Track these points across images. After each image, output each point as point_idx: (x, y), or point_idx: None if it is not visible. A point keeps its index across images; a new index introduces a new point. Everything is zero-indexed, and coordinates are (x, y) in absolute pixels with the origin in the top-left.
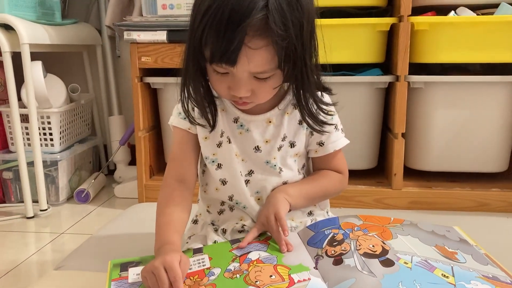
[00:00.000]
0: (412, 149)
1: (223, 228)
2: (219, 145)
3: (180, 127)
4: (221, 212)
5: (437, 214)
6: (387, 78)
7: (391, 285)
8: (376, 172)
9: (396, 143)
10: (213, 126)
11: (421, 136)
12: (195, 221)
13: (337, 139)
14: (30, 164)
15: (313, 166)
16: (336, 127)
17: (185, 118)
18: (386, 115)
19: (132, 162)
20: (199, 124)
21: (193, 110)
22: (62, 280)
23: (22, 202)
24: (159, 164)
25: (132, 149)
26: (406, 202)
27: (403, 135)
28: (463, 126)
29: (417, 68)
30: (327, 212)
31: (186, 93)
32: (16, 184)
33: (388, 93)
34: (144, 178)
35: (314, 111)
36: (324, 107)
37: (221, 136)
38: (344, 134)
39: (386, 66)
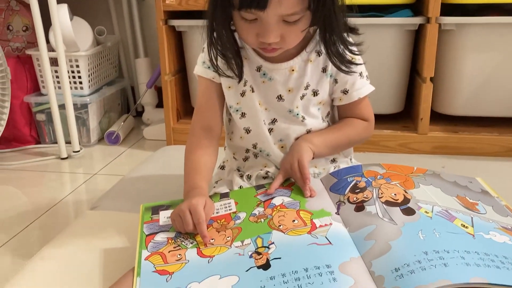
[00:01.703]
0: (439, 93)
1: (248, 174)
2: (243, 94)
3: (204, 77)
4: (246, 159)
5: (462, 160)
6: (418, 20)
7: (411, 233)
8: (402, 116)
9: (424, 88)
10: (240, 77)
11: (450, 80)
12: (222, 167)
13: (361, 87)
14: (62, 106)
15: (339, 114)
16: (360, 74)
17: (209, 67)
18: (415, 58)
19: (159, 104)
20: (227, 76)
21: (217, 60)
22: (98, 220)
23: (56, 143)
24: (185, 107)
25: (159, 91)
26: (431, 147)
27: (431, 79)
28: (495, 69)
29: (449, 9)
30: (350, 160)
31: (213, 48)
32: (49, 126)
33: (417, 35)
34: (172, 121)
35: (341, 51)
36: (350, 47)
37: (244, 85)
38: (369, 81)
39: (416, 7)
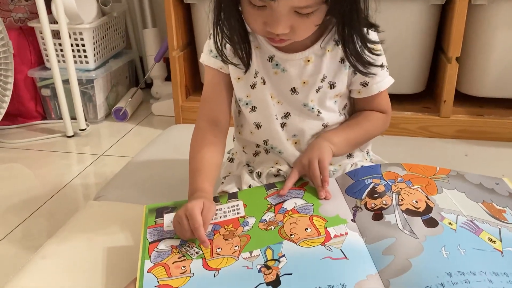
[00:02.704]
0: (465, 72)
1: (258, 172)
2: (253, 86)
3: (212, 66)
4: (256, 154)
5: (487, 146)
6: None
7: (433, 249)
8: (423, 96)
9: (449, 68)
10: (247, 66)
11: (477, 58)
12: (231, 159)
13: (382, 79)
14: (66, 81)
15: (355, 105)
16: (381, 66)
17: (216, 56)
18: (440, 35)
19: (169, 77)
20: (232, 64)
21: (225, 48)
22: (101, 212)
23: (62, 119)
24: (195, 84)
25: (168, 64)
26: (454, 130)
27: (457, 59)
28: None
29: None
30: (367, 153)
31: (218, 29)
32: (55, 101)
33: (444, 10)
34: (180, 99)
35: (359, 50)
36: (370, 45)
37: (255, 77)
38: (389, 72)
39: None
